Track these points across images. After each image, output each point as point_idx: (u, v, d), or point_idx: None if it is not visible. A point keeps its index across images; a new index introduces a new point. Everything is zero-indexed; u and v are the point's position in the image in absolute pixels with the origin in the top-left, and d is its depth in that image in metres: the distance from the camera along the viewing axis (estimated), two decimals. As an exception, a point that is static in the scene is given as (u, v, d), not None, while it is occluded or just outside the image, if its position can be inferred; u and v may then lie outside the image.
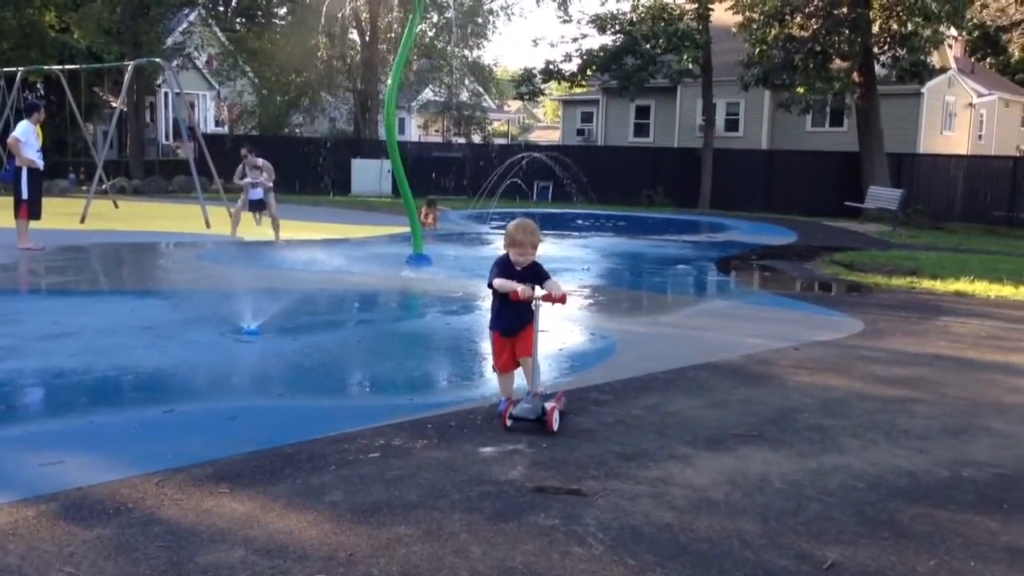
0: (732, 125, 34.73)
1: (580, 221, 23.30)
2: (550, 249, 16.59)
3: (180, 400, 5.81)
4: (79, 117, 22.58)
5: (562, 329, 8.54)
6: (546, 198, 30.63)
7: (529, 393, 5.21)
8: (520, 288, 5.08)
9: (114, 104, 27.26)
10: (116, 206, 21.92)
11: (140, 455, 4.53)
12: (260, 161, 16.17)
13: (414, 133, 48.71)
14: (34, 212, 13.65)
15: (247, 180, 15.97)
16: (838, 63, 26.49)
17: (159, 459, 4.46)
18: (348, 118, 38.56)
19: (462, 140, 38.77)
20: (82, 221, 17.70)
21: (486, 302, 10.49)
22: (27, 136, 13.52)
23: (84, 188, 24.94)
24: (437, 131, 46.71)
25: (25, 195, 13.52)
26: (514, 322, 5.31)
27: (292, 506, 3.92)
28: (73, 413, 5.43)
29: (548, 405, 5.13)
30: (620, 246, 17.88)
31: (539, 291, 5.21)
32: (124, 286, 11.22)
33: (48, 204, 15.10)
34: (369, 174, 31.67)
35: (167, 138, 39.22)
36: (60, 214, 18.10)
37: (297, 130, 38.23)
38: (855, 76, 26.31)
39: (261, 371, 6.82)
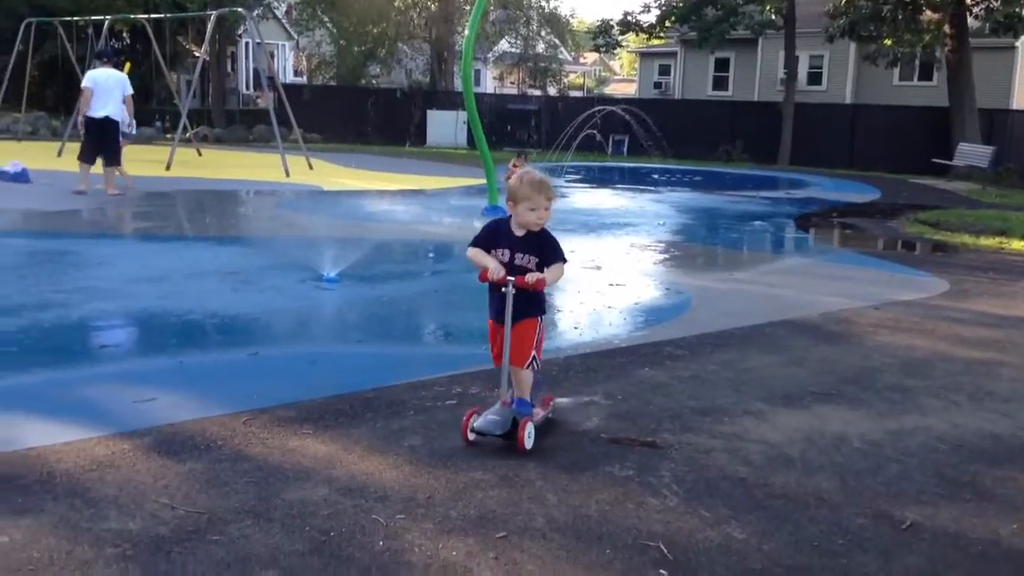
0: (815, 78, 33.84)
1: (656, 176, 23.05)
2: (625, 203, 16.49)
3: (264, 343, 5.98)
4: (164, 66, 23.00)
5: (637, 283, 8.52)
6: (621, 152, 30.34)
7: (499, 401, 4.20)
8: (492, 267, 4.07)
9: (197, 54, 27.72)
10: (199, 154, 22.40)
11: (227, 395, 4.69)
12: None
13: (490, 85, 48.53)
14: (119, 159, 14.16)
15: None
16: (928, 14, 25.52)
17: (245, 399, 4.60)
18: (424, 69, 38.61)
19: (538, 92, 38.52)
20: (167, 168, 18.14)
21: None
22: None
23: (169, 136, 25.52)
24: (513, 83, 46.49)
25: (120, 142, 14.13)
26: (503, 308, 4.13)
27: (372, 449, 4.02)
28: (163, 353, 5.63)
29: (522, 416, 4.10)
30: (696, 201, 17.66)
31: (537, 273, 4.09)
32: (207, 232, 11.50)
33: (134, 151, 15.54)
34: (445, 125, 31.72)
35: (247, 88, 39.79)
36: (146, 161, 18.57)
37: (374, 81, 38.41)
38: (946, 28, 25.32)
39: (340, 318, 6.98)
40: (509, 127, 31.24)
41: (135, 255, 9.40)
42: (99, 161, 13.85)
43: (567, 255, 4.21)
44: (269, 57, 25.74)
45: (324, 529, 3.21)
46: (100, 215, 12.34)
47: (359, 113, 32.87)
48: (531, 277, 4.02)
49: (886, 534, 3.37)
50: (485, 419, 4.05)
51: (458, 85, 33.71)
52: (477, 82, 45.05)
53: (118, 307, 6.79)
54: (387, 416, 4.46)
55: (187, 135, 21.84)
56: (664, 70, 40.46)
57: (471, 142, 26.69)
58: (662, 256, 10.39)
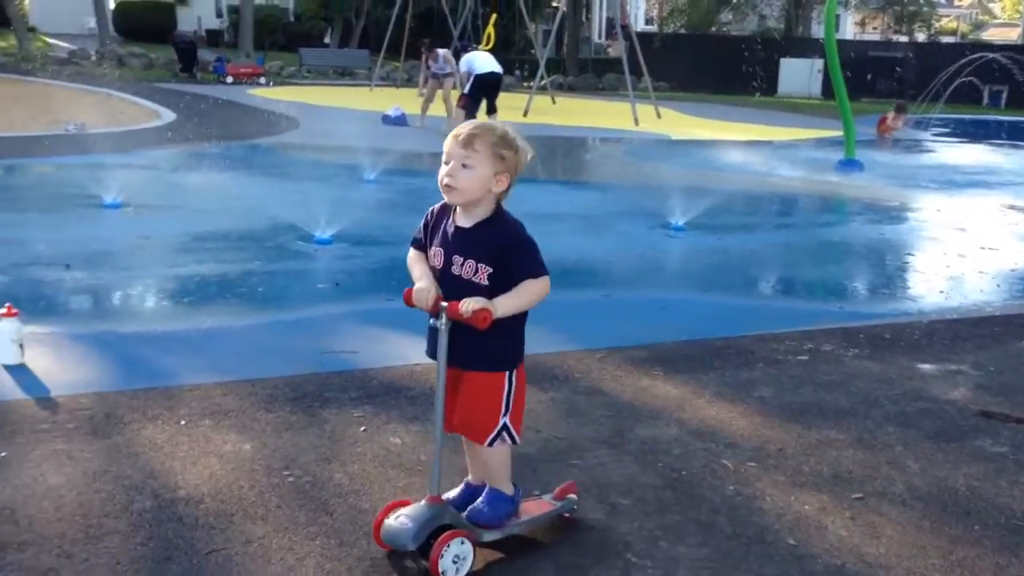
0: None
1: (1040, 131, 20.60)
2: (1000, 159, 14.95)
3: (615, 286, 6.20)
4: (526, 16, 24.00)
5: (1012, 248, 7.77)
6: (998, 104, 27.45)
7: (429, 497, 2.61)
8: (417, 286, 2.61)
9: (555, 3, 28.67)
10: (554, 101, 23.27)
11: (582, 332, 4.93)
12: (441, 52, 16.45)
13: (850, 30, 45.69)
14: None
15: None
16: None
17: (599, 338, 4.81)
18: (779, 15, 37.15)
19: (904, 38, 35.72)
20: (525, 115, 19.05)
21: (922, 212, 9.78)
22: None
23: (527, 84, 26.73)
24: (875, 28, 43.48)
25: None
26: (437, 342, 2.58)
27: (721, 396, 4.05)
28: (524, 288, 6.02)
29: (471, 526, 2.61)
30: (1090, 161, 15.57)
31: (476, 300, 2.47)
32: (560, 176, 11.99)
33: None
34: (798, 74, 30.43)
35: (599, 37, 40.58)
36: (506, 108, 19.60)
37: (724, 28, 37.62)
38: None
39: (687, 266, 7.05)
40: (869, 76, 29.23)
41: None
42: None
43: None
44: (623, 5, 26.03)
45: (676, 467, 3.31)
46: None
47: (708, 61, 32.36)
48: (467, 306, 2.43)
49: None
50: (396, 521, 2.56)
51: (815, 31, 32.13)
52: (836, 28, 42.61)
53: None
54: (736, 365, 4.47)
55: (543, 83, 22.75)
56: (1059, 11, 35.72)
57: (826, 92, 25.42)
58: (1045, 221, 9.34)
